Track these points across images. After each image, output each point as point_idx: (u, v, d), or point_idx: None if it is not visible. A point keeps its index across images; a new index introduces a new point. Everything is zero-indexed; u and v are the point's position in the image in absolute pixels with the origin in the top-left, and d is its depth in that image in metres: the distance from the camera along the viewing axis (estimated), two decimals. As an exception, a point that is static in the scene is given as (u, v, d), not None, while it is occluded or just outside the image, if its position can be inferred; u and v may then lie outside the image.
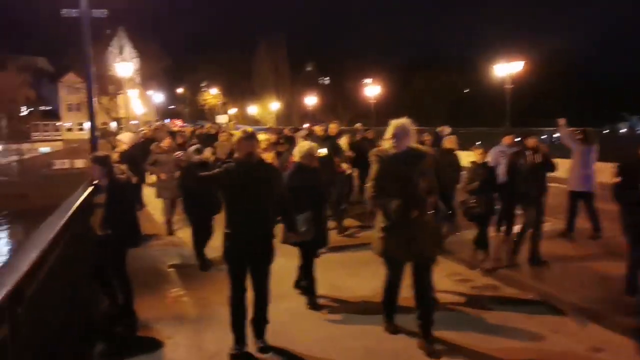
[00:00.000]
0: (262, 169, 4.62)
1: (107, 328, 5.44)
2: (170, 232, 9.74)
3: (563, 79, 60.14)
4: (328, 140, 9.65)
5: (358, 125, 15.20)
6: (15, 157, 49.31)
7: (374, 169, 4.62)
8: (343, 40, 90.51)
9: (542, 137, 20.97)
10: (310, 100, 53.67)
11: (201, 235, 7.69)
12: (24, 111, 56.37)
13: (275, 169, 4.93)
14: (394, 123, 4.58)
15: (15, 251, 3.28)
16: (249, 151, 4.50)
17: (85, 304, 5.18)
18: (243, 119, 62.77)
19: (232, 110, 64.51)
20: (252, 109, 66.77)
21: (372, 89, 41.36)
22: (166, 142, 10.01)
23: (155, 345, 4.99)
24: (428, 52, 72.72)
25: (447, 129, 11.74)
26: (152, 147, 10.30)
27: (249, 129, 5.07)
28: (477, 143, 18.90)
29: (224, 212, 4.70)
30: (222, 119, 51.01)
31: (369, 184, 4.65)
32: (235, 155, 4.67)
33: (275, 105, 64.66)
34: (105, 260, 5.48)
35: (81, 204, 4.96)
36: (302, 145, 5.77)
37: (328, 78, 76.00)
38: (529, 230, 7.21)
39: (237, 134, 4.77)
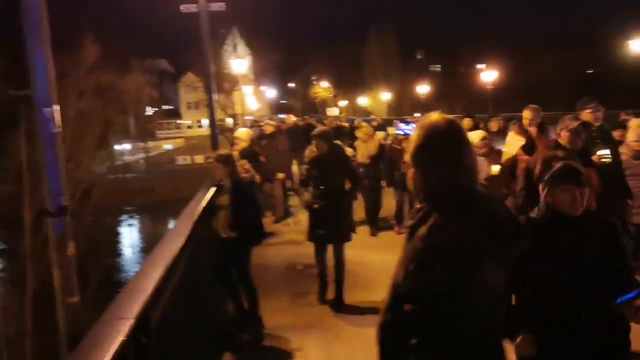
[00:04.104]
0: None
1: (234, 335, 5.22)
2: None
3: None
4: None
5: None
6: (142, 155, 52.84)
7: None
8: (454, 26, 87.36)
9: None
10: (422, 88, 52.24)
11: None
12: (149, 111, 60.00)
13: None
14: None
15: (138, 271, 3.20)
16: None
17: (212, 310, 4.96)
18: (354, 111, 62.51)
19: (343, 102, 64.47)
20: (363, 100, 66.34)
21: (488, 74, 39.24)
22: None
23: (284, 357, 4.67)
24: (546, 33, 68.18)
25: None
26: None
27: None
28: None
29: None
30: (333, 111, 51.08)
31: None
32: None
33: (386, 96, 63.77)
34: (229, 263, 5.26)
35: (205, 207, 4.72)
36: None
37: (439, 66, 73.82)
38: None
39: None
